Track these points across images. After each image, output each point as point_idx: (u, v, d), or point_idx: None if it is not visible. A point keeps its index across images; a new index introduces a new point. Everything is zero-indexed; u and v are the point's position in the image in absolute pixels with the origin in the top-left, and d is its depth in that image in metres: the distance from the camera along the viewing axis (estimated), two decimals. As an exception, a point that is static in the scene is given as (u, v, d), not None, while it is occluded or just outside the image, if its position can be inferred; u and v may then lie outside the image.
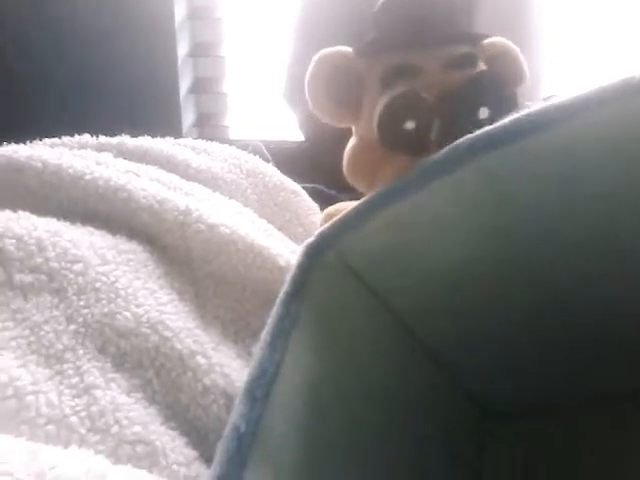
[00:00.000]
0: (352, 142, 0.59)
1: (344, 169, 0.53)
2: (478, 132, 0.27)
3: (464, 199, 0.28)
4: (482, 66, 0.49)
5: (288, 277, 0.28)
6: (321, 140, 1.10)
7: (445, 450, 0.36)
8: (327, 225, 0.30)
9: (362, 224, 0.29)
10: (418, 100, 0.41)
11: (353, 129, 0.62)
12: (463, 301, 0.32)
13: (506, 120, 0.26)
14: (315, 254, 0.29)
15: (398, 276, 0.31)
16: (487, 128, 0.26)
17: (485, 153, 0.26)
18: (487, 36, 0.50)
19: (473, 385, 0.37)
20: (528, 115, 0.25)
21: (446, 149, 0.27)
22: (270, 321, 0.26)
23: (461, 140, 0.27)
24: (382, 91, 0.52)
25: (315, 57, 0.59)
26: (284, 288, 0.28)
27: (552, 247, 0.30)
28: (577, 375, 0.36)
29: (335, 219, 0.30)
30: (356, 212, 0.29)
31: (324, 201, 0.59)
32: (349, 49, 0.57)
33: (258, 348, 0.25)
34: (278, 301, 0.27)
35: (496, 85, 0.42)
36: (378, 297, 0.31)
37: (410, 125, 0.45)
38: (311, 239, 0.30)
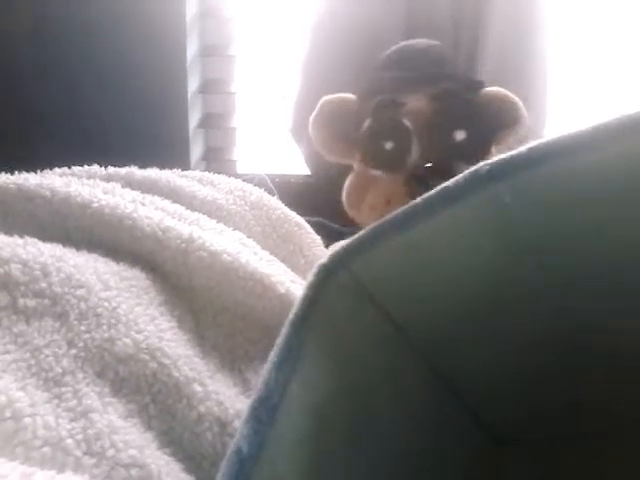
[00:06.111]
0: (350, 176, 0.65)
1: (344, 201, 0.60)
2: (497, 158, 0.26)
3: (480, 225, 0.28)
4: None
5: (298, 298, 0.28)
6: (326, 175, 1.11)
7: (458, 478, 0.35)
8: (340, 245, 0.30)
9: (376, 246, 0.29)
10: (396, 124, 0.49)
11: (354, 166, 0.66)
12: (474, 329, 0.32)
13: (524, 147, 0.26)
14: (328, 274, 0.29)
15: (411, 300, 0.31)
16: (506, 154, 0.26)
17: (504, 179, 0.26)
18: (484, 84, 0.57)
19: (487, 413, 0.37)
20: (547, 142, 0.25)
21: (465, 174, 0.27)
22: (278, 342, 0.26)
23: (480, 165, 0.27)
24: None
25: (320, 102, 0.66)
26: (294, 308, 0.27)
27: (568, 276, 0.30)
28: (593, 406, 0.35)
29: (349, 240, 0.30)
30: (371, 233, 0.29)
31: (327, 235, 0.60)
32: (352, 95, 0.64)
33: (265, 369, 0.25)
34: (287, 321, 0.27)
35: (470, 111, 0.47)
36: (389, 318, 0.31)
37: (389, 145, 0.52)
38: (324, 259, 0.29)
